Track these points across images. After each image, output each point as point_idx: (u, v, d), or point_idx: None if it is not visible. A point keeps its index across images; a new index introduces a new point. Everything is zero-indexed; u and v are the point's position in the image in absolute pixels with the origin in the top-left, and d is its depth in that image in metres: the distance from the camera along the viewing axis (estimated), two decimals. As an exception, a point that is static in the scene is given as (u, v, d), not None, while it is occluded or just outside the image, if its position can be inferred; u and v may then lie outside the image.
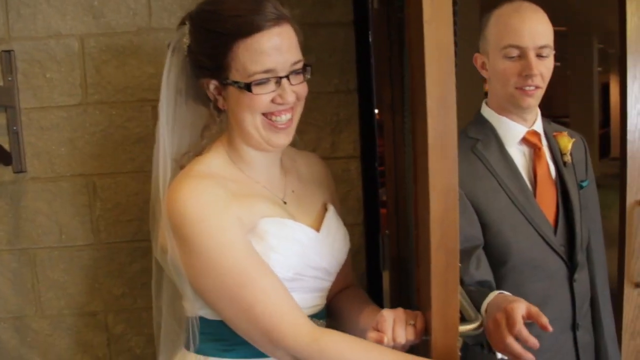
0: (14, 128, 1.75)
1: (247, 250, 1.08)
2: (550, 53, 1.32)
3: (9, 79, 1.73)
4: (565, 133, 1.45)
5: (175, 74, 1.18)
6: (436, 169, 0.93)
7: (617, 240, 2.27)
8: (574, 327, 1.40)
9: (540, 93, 1.35)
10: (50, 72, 1.72)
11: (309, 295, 1.21)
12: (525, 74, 1.29)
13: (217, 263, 1.06)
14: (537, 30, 1.28)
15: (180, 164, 1.21)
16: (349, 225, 1.89)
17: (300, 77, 1.15)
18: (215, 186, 1.11)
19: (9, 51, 1.71)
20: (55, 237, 1.77)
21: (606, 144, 11.19)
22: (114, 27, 1.72)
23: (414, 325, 1.05)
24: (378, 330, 1.06)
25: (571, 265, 1.39)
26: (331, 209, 1.29)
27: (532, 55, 1.28)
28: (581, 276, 1.41)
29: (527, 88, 1.32)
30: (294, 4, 1.81)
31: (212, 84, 1.15)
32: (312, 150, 1.87)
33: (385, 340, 1.04)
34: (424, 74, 0.90)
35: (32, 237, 1.78)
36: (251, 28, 1.07)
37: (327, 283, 1.26)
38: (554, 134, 1.45)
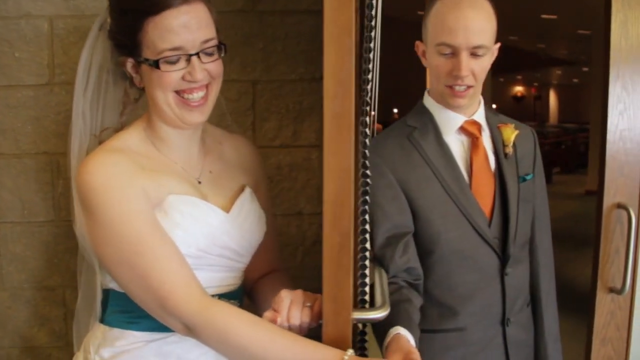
0: (-11, 105, 1.79)
1: (148, 221, 1.10)
2: (486, 52, 1.27)
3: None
4: (511, 125, 1.41)
5: (101, 52, 1.22)
6: (331, 150, 0.93)
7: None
8: (504, 322, 1.37)
9: (473, 92, 1.31)
10: (19, 51, 1.77)
11: (219, 274, 1.22)
12: (455, 74, 1.26)
13: (117, 232, 1.08)
14: (472, 30, 1.24)
15: (100, 139, 1.24)
16: (307, 214, 1.92)
17: (213, 56, 1.16)
18: (123, 159, 1.12)
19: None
20: (18, 212, 1.81)
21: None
22: (83, 10, 1.75)
23: (311, 308, 1.04)
24: (275, 310, 1.06)
25: (503, 258, 1.35)
26: (247, 191, 1.30)
27: (464, 55, 1.25)
28: (516, 271, 1.38)
29: (457, 88, 1.29)
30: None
31: (129, 62, 1.17)
32: (273, 138, 1.89)
33: (279, 320, 1.05)
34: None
35: (-6, 212, 1.82)
36: (160, 6, 1.08)
37: (238, 264, 1.27)
38: (498, 125, 1.42)
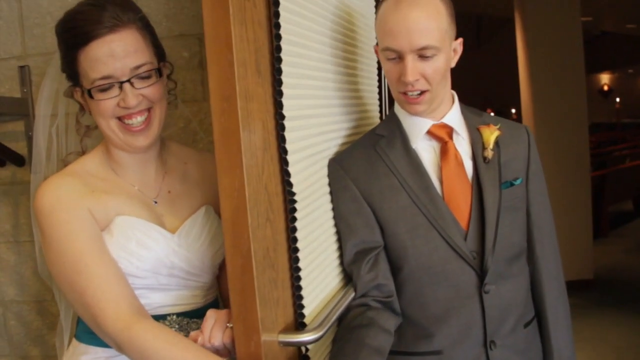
0: (30, 134, 1.98)
1: (89, 241, 1.13)
2: (436, 53, 1.15)
3: (25, 90, 1.97)
4: (494, 126, 1.26)
5: (63, 82, 1.29)
6: (222, 168, 0.90)
7: None
8: (487, 345, 1.22)
9: (430, 96, 1.19)
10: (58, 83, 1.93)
11: (174, 293, 1.23)
12: (403, 80, 1.16)
13: (61, 251, 1.12)
14: (414, 31, 1.12)
15: (65, 162, 1.31)
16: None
17: (149, 80, 1.17)
18: (73, 182, 1.17)
19: (24, 66, 1.95)
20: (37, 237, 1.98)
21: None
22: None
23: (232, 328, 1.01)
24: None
25: (482, 275, 1.22)
26: (200, 211, 1.29)
27: (409, 58, 1.14)
28: (500, 288, 1.22)
29: (410, 94, 1.18)
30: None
31: (77, 91, 1.22)
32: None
33: (199, 340, 1.03)
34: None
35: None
36: (86, 37, 1.12)
37: (194, 282, 1.26)
38: (478, 126, 1.28)
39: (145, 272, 1.18)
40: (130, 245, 1.16)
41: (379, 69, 1.72)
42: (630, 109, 16.89)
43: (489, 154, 1.23)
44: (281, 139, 1.01)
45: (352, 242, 1.25)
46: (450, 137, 1.25)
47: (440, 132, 1.24)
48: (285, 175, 1.02)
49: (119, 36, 1.13)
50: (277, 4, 0.97)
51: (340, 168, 1.26)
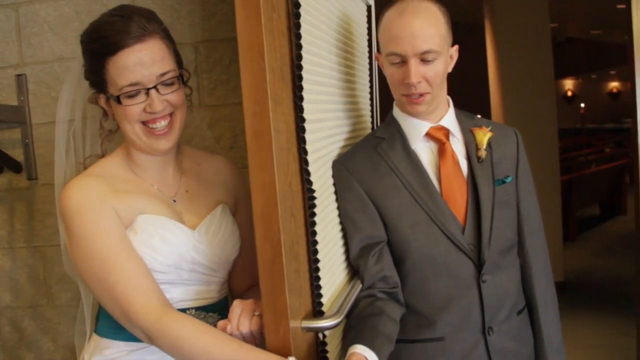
0: (26, 141, 2.01)
1: (116, 239, 1.19)
2: (436, 57, 1.25)
3: (22, 98, 2.00)
4: (486, 128, 1.37)
5: (84, 89, 1.35)
6: (254, 165, 0.98)
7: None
8: (485, 331, 1.32)
9: (430, 98, 1.29)
10: (55, 91, 1.97)
11: (194, 288, 1.30)
12: (406, 82, 1.26)
13: (88, 249, 1.18)
14: (417, 36, 1.23)
15: (85, 165, 1.37)
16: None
17: (173, 86, 1.25)
18: (97, 183, 1.23)
19: (21, 75, 1.98)
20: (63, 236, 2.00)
21: None
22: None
23: (261, 316, 1.09)
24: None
25: (479, 265, 1.32)
26: (218, 208, 1.37)
27: (412, 62, 1.24)
28: (496, 278, 1.32)
29: (413, 96, 1.28)
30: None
31: (102, 98, 1.29)
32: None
33: (229, 328, 1.10)
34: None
35: (43, 236, 2.02)
36: (116, 46, 1.19)
37: (214, 278, 1.33)
38: (471, 129, 1.38)
39: (168, 268, 1.24)
40: (154, 242, 1.22)
41: (371, 75, 1.82)
42: (594, 114, 17.46)
43: (483, 153, 1.34)
44: (302, 140, 1.09)
45: (358, 238, 1.33)
46: (447, 139, 1.35)
47: (438, 134, 1.35)
48: (305, 174, 1.11)
49: (146, 45, 1.21)
50: (298, 15, 1.06)
51: (345, 169, 1.35)
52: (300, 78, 1.07)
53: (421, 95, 1.28)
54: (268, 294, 1.01)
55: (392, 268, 1.33)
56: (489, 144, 1.36)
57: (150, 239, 1.22)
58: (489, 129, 1.38)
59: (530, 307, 1.41)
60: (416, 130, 1.35)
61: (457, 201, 1.33)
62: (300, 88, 1.07)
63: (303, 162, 1.10)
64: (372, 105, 1.82)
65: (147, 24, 1.22)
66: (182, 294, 1.27)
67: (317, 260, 1.12)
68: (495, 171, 1.36)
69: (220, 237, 1.33)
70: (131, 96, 1.22)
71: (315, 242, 1.12)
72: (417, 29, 1.24)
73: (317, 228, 1.13)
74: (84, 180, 1.24)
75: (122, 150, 1.33)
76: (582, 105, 17.29)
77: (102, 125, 1.36)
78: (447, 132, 1.36)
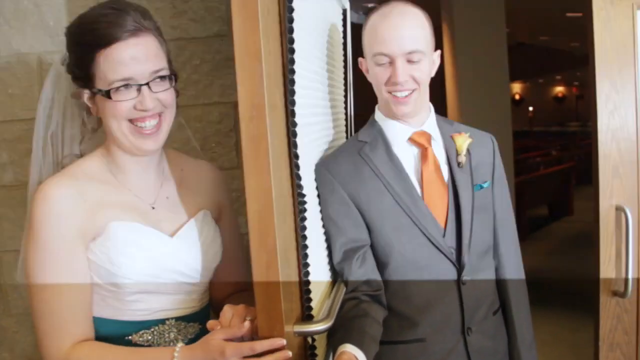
0: (-11, 142, 1.91)
1: (66, 267, 1.16)
2: (422, 57, 1.29)
3: (-17, 97, 1.90)
4: (465, 134, 1.41)
5: (64, 85, 1.29)
6: (250, 171, 0.97)
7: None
8: (464, 331, 1.35)
9: (417, 96, 1.32)
10: (12, 88, 1.88)
11: (173, 297, 1.27)
12: (393, 81, 1.29)
13: (38, 264, 1.16)
14: (404, 36, 1.26)
15: (62, 165, 1.32)
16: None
17: (164, 85, 1.21)
18: (70, 190, 1.17)
19: (-20, 72, 1.88)
20: (19, 241, 1.91)
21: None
22: (69, 45, 1.85)
23: (252, 321, 1.08)
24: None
25: (459, 268, 1.35)
26: (199, 215, 1.33)
27: (399, 62, 1.27)
28: (475, 280, 1.36)
29: (399, 94, 1.31)
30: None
31: (85, 94, 1.23)
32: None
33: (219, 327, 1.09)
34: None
35: (-2, 241, 1.93)
36: (109, 39, 1.15)
37: (192, 286, 1.30)
38: (451, 134, 1.41)
39: (145, 276, 1.21)
40: (130, 250, 1.19)
41: (345, 79, 1.84)
42: (541, 118, 18.11)
43: (463, 159, 1.38)
44: (293, 145, 1.09)
45: (341, 241, 1.34)
46: (429, 144, 1.38)
47: (421, 139, 1.37)
48: (296, 178, 1.10)
49: (140, 40, 1.17)
50: (291, 19, 1.06)
51: (328, 172, 1.35)
52: (293, 82, 1.07)
53: (408, 94, 1.30)
54: (263, 300, 1.00)
55: (375, 271, 1.34)
56: (467, 150, 1.40)
57: (126, 247, 1.19)
58: (468, 134, 1.41)
59: (504, 307, 1.46)
60: (399, 135, 1.37)
61: (438, 205, 1.35)
62: (293, 92, 1.07)
63: (294, 167, 1.10)
64: (346, 109, 1.84)
65: (142, 19, 1.18)
66: (160, 303, 1.24)
67: (307, 265, 1.12)
68: (473, 176, 1.39)
69: (201, 244, 1.30)
70: (121, 91, 1.17)
71: (306, 247, 1.12)
72: (404, 29, 1.27)
73: (307, 233, 1.12)
74: (57, 186, 1.18)
75: (103, 151, 1.28)
76: (531, 108, 17.91)
77: (84, 123, 1.31)
78: (429, 137, 1.38)
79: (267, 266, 0.99)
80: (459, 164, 1.38)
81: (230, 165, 1.95)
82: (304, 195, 1.12)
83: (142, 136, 1.21)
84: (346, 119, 1.86)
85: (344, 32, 1.83)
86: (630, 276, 2.06)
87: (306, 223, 1.13)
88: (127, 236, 1.19)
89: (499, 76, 4.87)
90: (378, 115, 1.41)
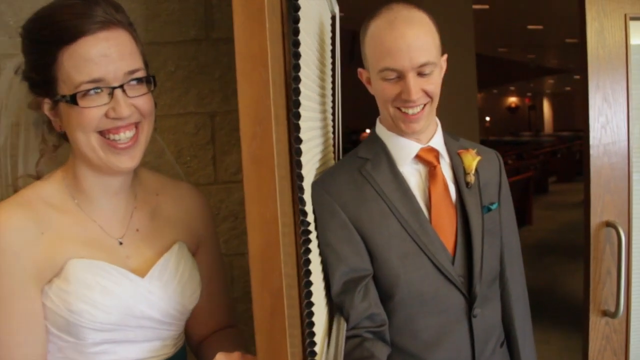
0: None
1: (17, 310, 0.97)
2: (433, 69, 1.15)
3: None
4: (472, 151, 1.29)
5: (17, 95, 1.10)
6: (253, 198, 0.81)
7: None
8: None
9: (428, 110, 1.19)
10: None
11: (144, 344, 1.08)
12: (404, 98, 1.15)
13: None
14: (414, 48, 1.12)
15: (15, 187, 1.11)
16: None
17: (141, 89, 1.03)
18: (23, 221, 0.98)
19: None
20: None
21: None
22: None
23: None
24: None
25: (470, 298, 1.22)
26: (174, 248, 1.14)
27: (411, 76, 1.13)
28: (485, 311, 1.23)
29: (410, 111, 1.17)
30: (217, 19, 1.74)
31: (46, 103, 1.03)
32: (235, 172, 1.78)
33: None
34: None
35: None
36: (74, 33, 0.96)
37: (167, 332, 1.12)
38: (458, 151, 1.28)
39: (111, 326, 1.01)
40: (93, 295, 0.99)
41: (334, 88, 1.70)
42: (496, 127, 18.52)
43: (472, 179, 1.25)
44: (297, 165, 0.94)
45: (342, 271, 1.19)
46: (438, 161, 1.25)
47: (429, 156, 1.24)
48: (300, 203, 0.95)
49: (112, 34, 0.98)
50: (297, 19, 0.91)
51: (326, 193, 1.21)
52: (298, 92, 0.92)
53: (420, 110, 1.17)
54: (265, 348, 0.84)
55: (378, 304, 1.20)
56: (476, 169, 1.27)
57: (88, 292, 0.99)
58: (475, 151, 1.29)
59: (509, 337, 1.34)
60: (405, 151, 1.23)
61: (447, 229, 1.22)
62: (297, 104, 0.92)
63: (299, 190, 0.94)
64: (334, 120, 1.70)
65: (115, 12, 1.00)
66: (129, 353, 1.05)
67: (311, 304, 0.97)
68: (482, 197, 1.27)
69: (177, 283, 1.11)
70: (89, 95, 0.98)
71: (310, 284, 0.97)
72: (413, 40, 1.12)
73: (311, 267, 0.97)
74: (8, 215, 0.98)
75: (65, 173, 1.08)
76: (488, 118, 18.28)
77: (44, 138, 1.10)
78: (437, 154, 1.25)
79: (272, 311, 0.83)
80: (467, 184, 1.25)
81: (207, 181, 1.78)
82: (308, 224, 0.97)
83: (116, 151, 1.01)
84: (334, 132, 1.72)
85: (333, 38, 1.69)
86: (622, 295, 1.99)
87: (311, 256, 0.97)
88: (88, 278, 0.99)
89: (467, 86, 4.82)
90: (380, 130, 1.27)
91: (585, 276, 2.17)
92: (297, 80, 0.92)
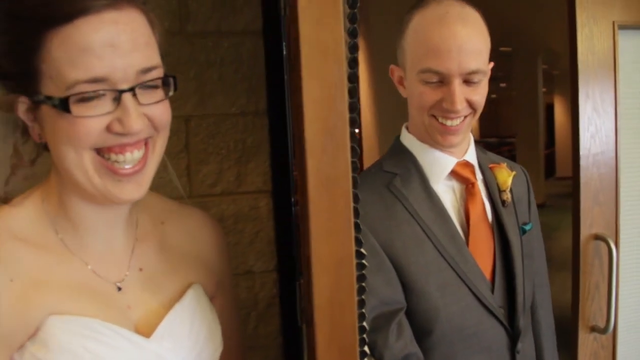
0: None
1: None
2: (482, 78, 1.02)
3: None
4: (505, 165, 1.17)
5: None
6: (320, 233, 0.63)
7: (566, 266, 2.05)
8: None
9: (469, 122, 1.05)
10: None
11: None
12: (446, 107, 1.00)
13: None
14: (465, 52, 0.98)
15: None
16: (258, 272, 1.61)
17: (157, 94, 0.76)
18: None
19: None
20: None
21: (551, 163, 11.78)
22: None
23: None
24: None
25: (513, 332, 1.09)
26: (189, 295, 0.88)
27: (457, 83, 0.99)
28: (525, 345, 1.10)
29: (449, 123, 1.03)
30: (192, 10, 1.55)
31: (22, 103, 0.75)
32: (213, 184, 1.57)
33: None
34: (301, 92, 0.60)
35: None
36: (69, 10, 0.68)
37: None
38: (490, 165, 1.15)
39: None
40: None
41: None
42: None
43: (508, 197, 1.12)
44: (354, 184, 0.75)
45: (372, 305, 1.02)
46: (475, 177, 1.10)
47: (465, 172, 1.09)
48: (355, 229, 0.77)
49: (122, 16, 0.71)
50: (355, 3, 0.72)
51: None
52: (355, 92, 0.74)
53: (461, 121, 1.02)
54: None
55: (413, 342, 1.04)
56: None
57: (73, 359, 0.74)
58: (506, 165, 1.16)
59: None
60: (439, 166, 1.08)
61: (484, 254, 1.08)
62: (355, 107, 0.74)
63: (354, 215, 0.76)
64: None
65: None
66: None
67: (365, 354, 0.79)
68: (518, 217, 1.14)
69: (194, 341, 0.86)
70: (87, 100, 0.71)
71: (363, 330, 0.79)
72: (465, 41, 0.97)
73: (364, 309, 0.79)
74: None
75: (45, 195, 0.82)
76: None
77: (17, 151, 0.82)
78: (473, 170, 1.11)
79: (341, 374, 0.65)
80: (503, 202, 1.12)
81: (179, 195, 1.56)
82: (363, 256, 0.79)
83: (117, 177, 0.75)
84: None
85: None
86: (612, 311, 1.95)
87: (364, 296, 0.79)
88: (74, 341, 0.74)
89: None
90: (408, 139, 1.11)
91: (573, 292, 2.12)
92: (355, 78, 0.74)
